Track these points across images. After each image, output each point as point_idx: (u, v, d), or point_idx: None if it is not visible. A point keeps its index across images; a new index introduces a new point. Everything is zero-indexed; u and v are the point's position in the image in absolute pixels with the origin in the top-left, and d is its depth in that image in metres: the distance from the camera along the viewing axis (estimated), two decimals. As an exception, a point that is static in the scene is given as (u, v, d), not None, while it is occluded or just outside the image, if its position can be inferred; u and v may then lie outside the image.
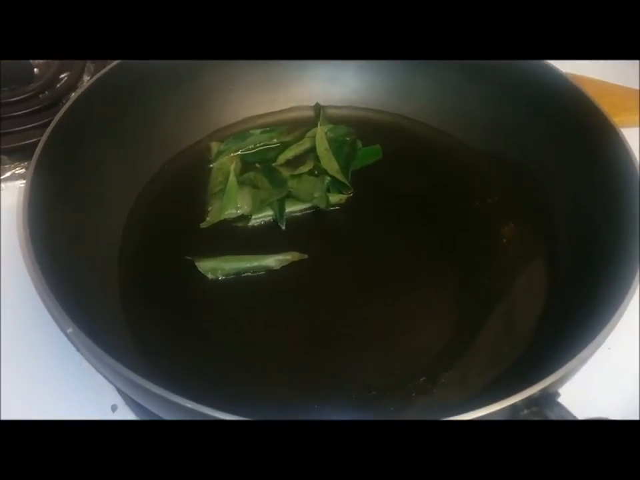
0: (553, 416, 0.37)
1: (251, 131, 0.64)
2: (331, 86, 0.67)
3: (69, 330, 0.41)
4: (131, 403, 0.49)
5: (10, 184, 0.63)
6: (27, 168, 0.63)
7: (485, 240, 0.57)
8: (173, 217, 0.58)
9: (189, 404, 0.36)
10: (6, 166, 0.63)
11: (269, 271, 0.54)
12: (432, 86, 0.66)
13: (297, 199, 0.59)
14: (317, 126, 0.64)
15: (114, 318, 0.50)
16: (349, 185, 0.59)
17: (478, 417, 0.36)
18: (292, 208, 0.58)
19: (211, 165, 0.62)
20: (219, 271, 0.53)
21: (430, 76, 0.65)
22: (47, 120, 0.61)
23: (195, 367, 0.48)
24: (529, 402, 0.37)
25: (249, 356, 0.49)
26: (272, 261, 0.54)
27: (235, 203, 0.58)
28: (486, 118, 0.64)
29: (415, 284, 0.54)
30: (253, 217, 0.58)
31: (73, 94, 0.64)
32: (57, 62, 0.70)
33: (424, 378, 0.48)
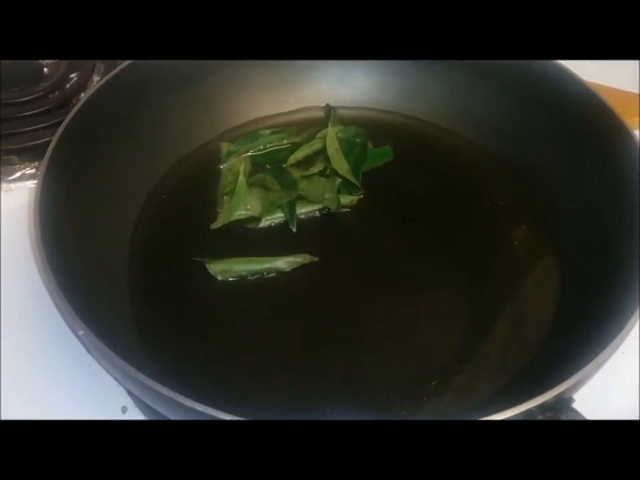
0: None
1: (261, 132, 0.64)
2: (341, 87, 0.67)
3: (81, 332, 0.41)
4: (141, 404, 0.49)
5: (20, 184, 0.63)
6: (36, 168, 0.63)
7: (496, 241, 0.57)
8: (182, 217, 0.58)
9: (199, 407, 0.36)
10: (15, 166, 0.63)
11: (280, 273, 0.54)
12: (442, 87, 0.65)
13: (307, 200, 0.58)
14: (327, 127, 0.63)
15: (124, 319, 0.50)
16: (359, 186, 0.59)
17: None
18: (302, 209, 0.58)
19: (221, 166, 0.62)
20: (229, 273, 0.53)
21: (440, 76, 0.65)
22: (56, 120, 0.62)
23: (204, 368, 0.48)
24: (544, 407, 0.37)
25: (259, 358, 0.49)
26: (282, 263, 0.54)
27: (244, 204, 0.58)
28: (496, 119, 0.63)
29: (426, 286, 0.54)
30: (264, 218, 0.57)
31: (84, 94, 0.64)
32: (66, 62, 0.70)
33: (435, 382, 0.47)
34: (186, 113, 0.62)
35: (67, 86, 0.69)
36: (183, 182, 0.61)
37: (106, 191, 0.55)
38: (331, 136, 0.63)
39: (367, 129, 0.64)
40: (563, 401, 0.38)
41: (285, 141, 0.64)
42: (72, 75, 0.70)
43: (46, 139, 0.59)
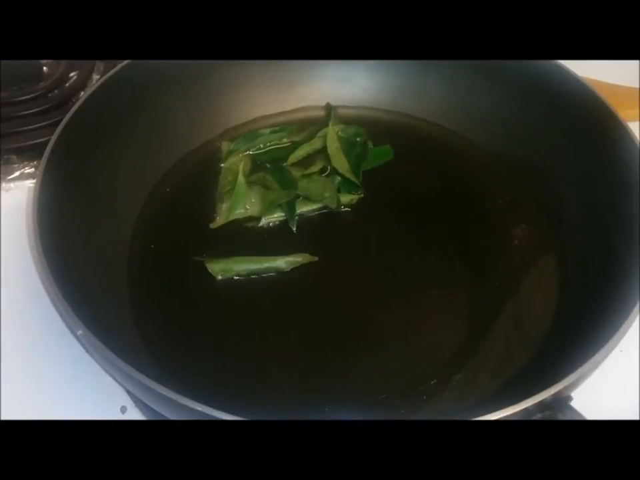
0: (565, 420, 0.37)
1: (261, 131, 0.64)
2: (342, 86, 0.67)
3: (79, 332, 0.41)
4: (141, 404, 0.49)
5: (19, 183, 0.63)
6: (35, 167, 0.63)
7: (496, 241, 0.57)
8: (182, 217, 0.58)
9: (199, 406, 0.36)
10: (14, 165, 0.63)
11: (279, 273, 0.54)
12: (443, 86, 0.65)
13: (307, 199, 0.58)
14: (327, 126, 0.63)
15: (123, 318, 0.50)
16: (359, 184, 0.59)
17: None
18: (302, 208, 0.58)
19: (222, 165, 0.62)
20: (229, 272, 0.53)
21: (441, 76, 0.65)
22: (56, 119, 0.61)
23: (203, 368, 0.48)
24: (542, 406, 0.37)
25: (259, 357, 0.49)
26: (282, 263, 0.54)
27: (243, 203, 0.58)
28: (497, 118, 0.63)
29: (426, 285, 0.54)
30: (263, 217, 0.57)
31: (83, 93, 0.64)
32: (66, 61, 0.70)
33: (435, 380, 0.47)
34: (186, 111, 0.62)
35: (67, 85, 0.69)
36: (183, 181, 0.61)
37: (105, 190, 0.55)
38: (332, 135, 0.62)
39: (367, 128, 0.64)
40: (561, 399, 0.38)
41: (285, 140, 0.64)
42: (71, 74, 0.70)
43: (45, 138, 0.58)
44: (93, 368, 0.50)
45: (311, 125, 0.65)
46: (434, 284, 0.54)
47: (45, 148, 0.50)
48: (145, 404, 0.47)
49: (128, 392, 0.49)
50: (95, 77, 0.70)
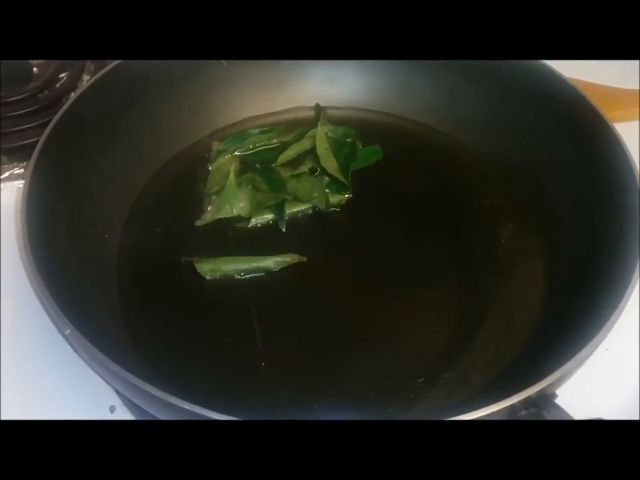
0: (550, 417, 0.37)
1: (250, 131, 0.64)
2: (331, 86, 0.67)
3: (67, 331, 0.41)
4: (129, 403, 0.49)
5: (9, 184, 0.63)
6: (25, 168, 0.63)
7: (484, 241, 0.57)
8: (172, 217, 0.58)
9: (187, 405, 0.36)
10: (4, 166, 0.63)
11: (268, 273, 0.54)
12: (431, 87, 0.66)
13: (296, 199, 0.59)
14: (316, 126, 0.63)
15: (112, 318, 0.50)
16: (348, 185, 0.59)
17: (475, 418, 0.36)
18: (291, 209, 0.58)
19: (210, 165, 0.62)
20: (218, 272, 0.53)
21: (429, 77, 0.65)
22: (46, 120, 0.61)
23: (192, 367, 0.48)
24: (527, 403, 0.37)
25: (247, 357, 0.49)
26: (271, 263, 0.54)
27: (231, 203, 0.58)
28: (485, 119, 0.64)
29: (414, 285, 0.54)
30: (253, 218, 0.57)
31: (73, 94, 0.64)
32: (56, 61, 0.70)
33: (422, 379, 0.48)
34: (175, 112, 0.63)
35: (57, 85, 0.69)
36: (173, 181, 0.61)
37: (94, 190, 0.55)
38: (321, 135, 0.63)
39: (356, 129, 0.64)
40: (546, 397, 0.38)
41: (274, 140, 0.64)
42: (62, 75, 0.70)
43: (35, 139, 0.58)
44: (82, 367, 0.50)
45: (300, 126, 0.65)
46: (422, 283, 0.54)
47: (34, 148, 0.50)
48: (133, 403, 0.47)
49: (117, 391, 0.49)
50: (86, 77, 0.70)
